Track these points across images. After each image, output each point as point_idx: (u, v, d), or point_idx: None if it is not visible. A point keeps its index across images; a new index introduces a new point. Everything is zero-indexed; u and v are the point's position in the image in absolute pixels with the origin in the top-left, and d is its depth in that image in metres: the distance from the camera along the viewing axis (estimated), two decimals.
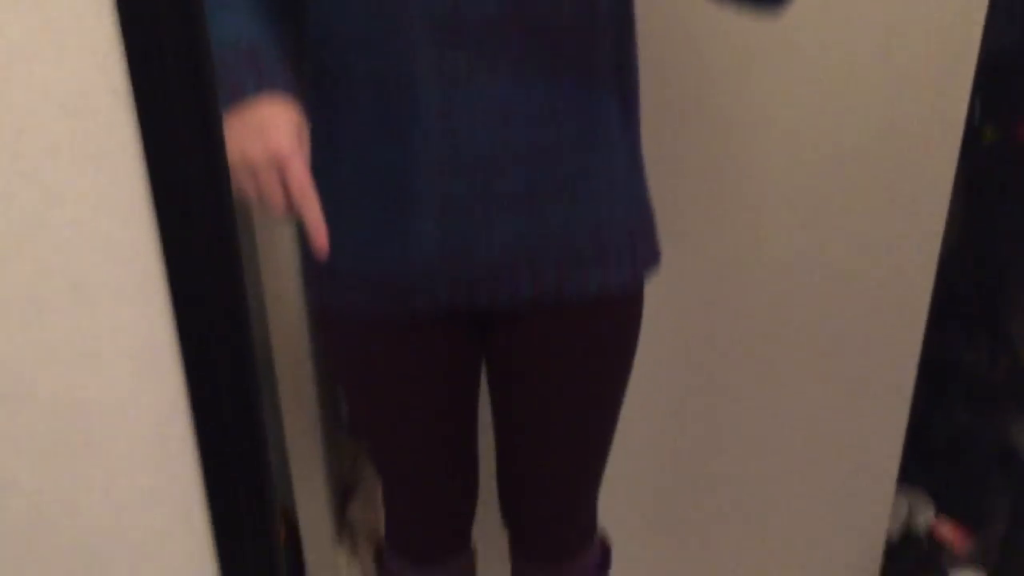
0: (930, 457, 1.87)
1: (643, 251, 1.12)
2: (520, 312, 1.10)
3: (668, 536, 1.79)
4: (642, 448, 1.69)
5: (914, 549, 1.83)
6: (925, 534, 1.85)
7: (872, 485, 1.76)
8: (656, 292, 1.19)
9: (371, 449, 1.28)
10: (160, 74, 0.66)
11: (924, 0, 1.40)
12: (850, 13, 1.42)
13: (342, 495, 1.91)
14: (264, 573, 1.04)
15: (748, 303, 1.62)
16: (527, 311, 1.10)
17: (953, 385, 1.93)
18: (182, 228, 0.74)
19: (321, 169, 0.97)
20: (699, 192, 1.54)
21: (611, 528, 1.42)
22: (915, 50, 1.43)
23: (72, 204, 0.76)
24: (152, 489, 0.91)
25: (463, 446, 1.27)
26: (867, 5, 1.41)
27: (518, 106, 0.99)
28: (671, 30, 1.40)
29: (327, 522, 1.77)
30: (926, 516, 1.86)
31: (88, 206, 0.78)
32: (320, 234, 0.89)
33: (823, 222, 1.57)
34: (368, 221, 1.05)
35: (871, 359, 1.67)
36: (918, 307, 1.63)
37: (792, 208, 1.56)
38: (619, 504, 1.42)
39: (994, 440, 1.84)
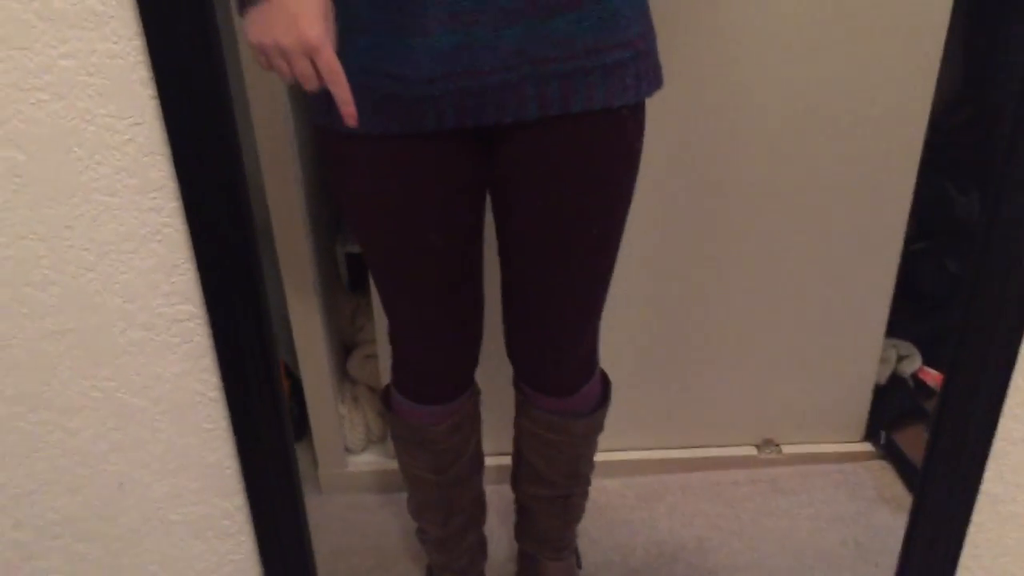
0: (919, 306, 1.91)
1: (646, 69, 1.12)
2: (525, 129, 1.11)
3: (661, 380, 1.84)
4: (636, 290, 1.72)
5: (900, 392, 1.89)
6: (912, 379, 1.91)
7: (862, 332, 1.81)
8: (651, 132, 1.18)
9: (377, 280, 1.30)
10: None
11: None
12: None
13: (342, 350, 1.94)
14: (270, 420, 1.11)
15: (741, 148, 1.62)
16: (532, 127, 1.11)
17: (943, 235, 1.95)
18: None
19: None
20: (695, 32, 1.51)
21: (605, 369, 1.46)
22: None
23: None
24: (165, 343, 1.00)
25: (469, 278, 1.29)
26: None
27: None
28: None
29: (328, 375, 1.81)
30: (912, 363, 1.92)
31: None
32: (350, 109, 0.98)
33: (817, 64, 1.55)
34: (376, 33, 1.05)
35: (863, 207, 1.68)
36: (910, 154, 1.63)
37: (786, 48, 1.53)
38: (612, 345, 1.46)
39: None
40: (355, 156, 1.15)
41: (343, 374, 1.94)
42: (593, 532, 1.72)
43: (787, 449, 1.92)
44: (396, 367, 1.39)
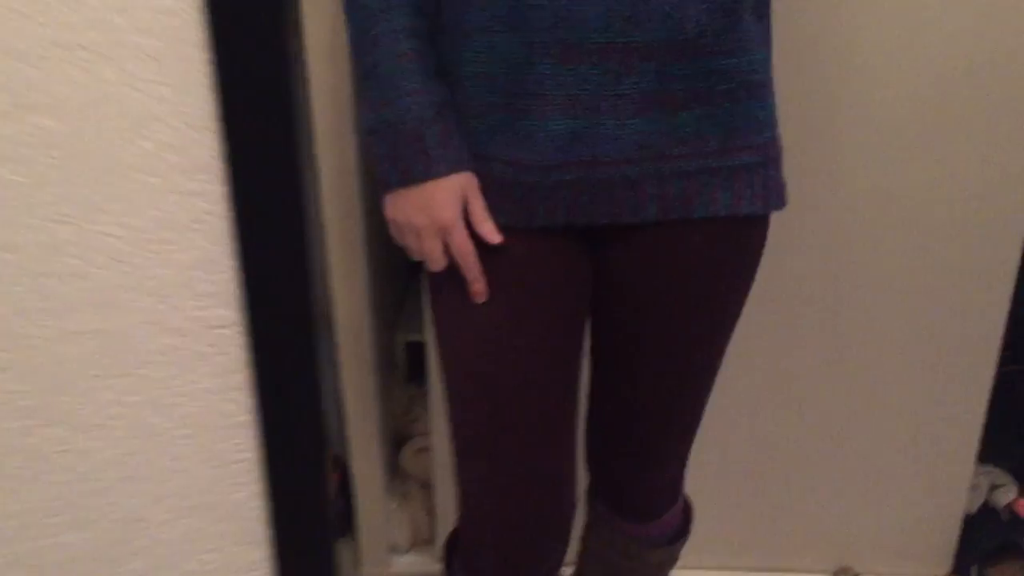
0: (1015, 433, 1.77)
1: (775, 180, 1.05)
2: (640, 232, 1.04)
3: (732, 495, 1.72)
4: (711, 402, 1.62)
5: (992, 524, 1.73)
6: (1005, 510, 1.75)
7: (951, 457, 1.67)
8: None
9: (460, 408, 1.10)
10: None
11: None
12: None
13: (395, 442, 1.87)
14: (308, 454, 0.99)
15: (822, 259, 1.54)
16: (648, 231, 1.03)
17: None
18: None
19: (450, 56, 0.99)
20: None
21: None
22: None
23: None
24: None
25: (566, 399, 1.11)
26: None
27: None
28: None
29: (379, 469, 1.73)
30: (1007, 494, 1.76)
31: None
32: (479, 287, 1.01)
33: (913, 168, 1.47)
34: (493, 117, 0.99)
35: (955, 323, 1.58)
36: (1006, 269, 1.54)
37: (882, 153, 1.46)
38: (693, 464, 1.35)
39: None
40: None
41: (395, 467, 1.86)
42: None
43: None
44: (474, 551, 1.17)
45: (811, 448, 1.68)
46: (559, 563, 1.18)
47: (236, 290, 0.87)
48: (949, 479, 1.69)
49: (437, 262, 1.00)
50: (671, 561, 1.32)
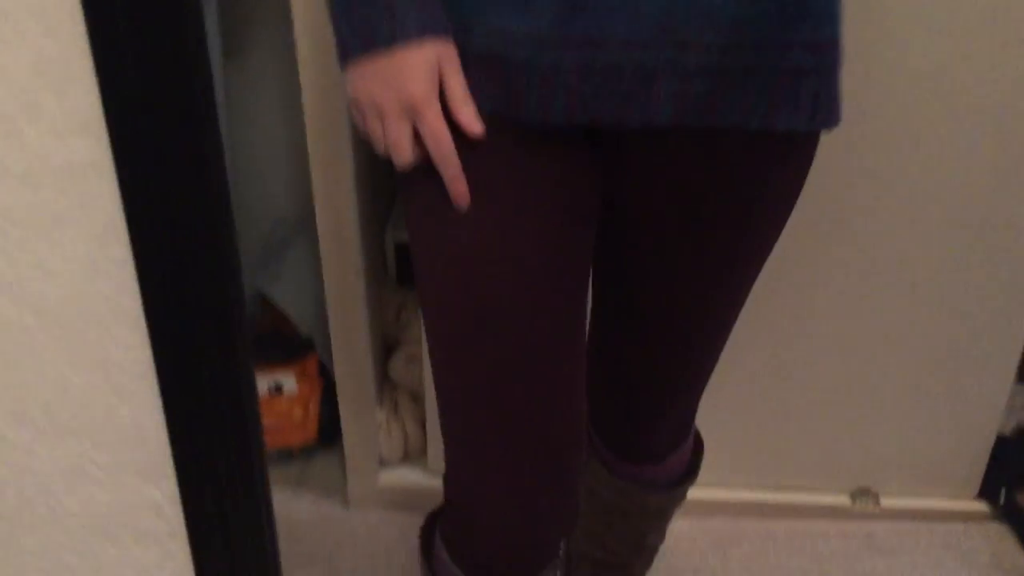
0: None
1: (828, 89, 0.82)
2: (656, 140, 0.84)
3: (747, 411, 1.59)
4: (739, 326, 1.49)
5: None
6: None
7: (987, 374, 1.54)
8: None
9: (442, 348, 0.89)
10: None
11: None
12: None
13: (383, 349, 1.74)
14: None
15: (861, 166, 1.38)
16: (666, 140, 0.83)
17: None
18: None
19: None
20: None
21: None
22: None
23: None
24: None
25: (575, 363, 0.90)
26: None
27: None
28: None
29: (367, 376, 1.60)
30: None
31: None
32: (460, 187, 0.81)
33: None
34: None
35: (995, 234, 1.43)
36: None
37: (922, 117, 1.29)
38: (711, 381, 1.20)
39: None
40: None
41: (383, 376, 1.73)
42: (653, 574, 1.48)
43: (886, 501, 1.66)
44: (454, 526, 0.97)
45: (834, 364, 1.55)
46: (565, 536, 0.98)
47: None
48: (983, 398, 1.57)
49: (404, 152, 0.80)
50: (674, 504, 1.19)
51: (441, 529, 0.99)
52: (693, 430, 1.15)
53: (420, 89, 0.77)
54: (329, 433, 1.75)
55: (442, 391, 0.91)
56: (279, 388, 1.71)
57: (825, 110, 0.82)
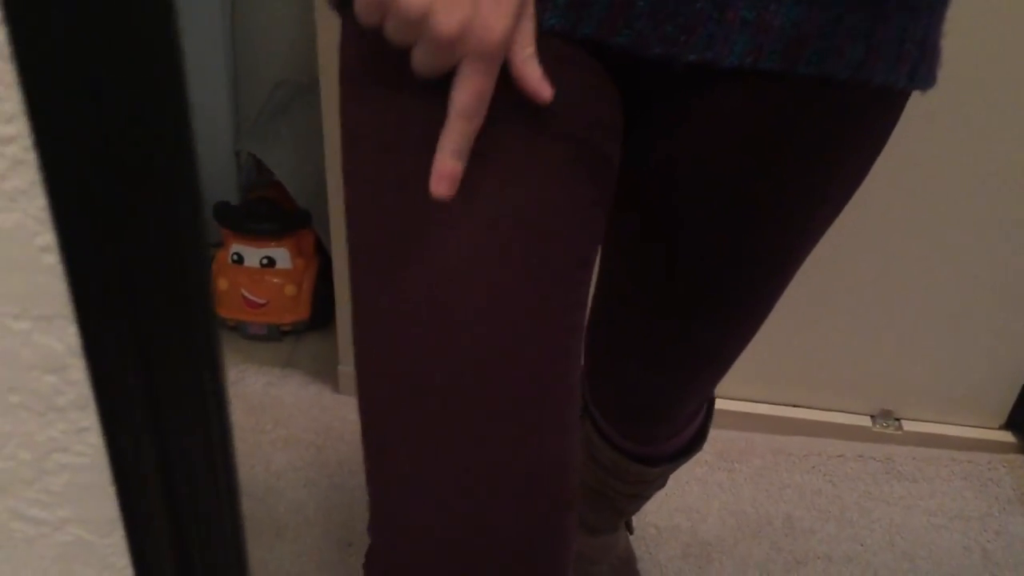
0: None
1: (933, 41, 0.65)
2: (712, 82, 0.63)
3: (785, 336, 1.49)
4: None
5: None
6: None
7: (1018, 316, 1.44)
8: None
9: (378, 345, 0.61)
10: None
11: None
12: None
13: None
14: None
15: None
16: (723, 84, 0.63)
17: None
18: None
19: None
20: None
21: None
22: None
23: None
24: None
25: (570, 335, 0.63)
26: None
27: None
28: None
29: None
30: None
31: None
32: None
33: None
34: None
35: None
36: None
37: None
38: None
39: None
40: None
41: None
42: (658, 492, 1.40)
43: (908, 426, 1.56)
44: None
45: (865, 281, 1.44)
46: None
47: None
48: (1020, 327, 1.46)
49: (435, 72, 0.55)
50: (670, 472, 1.05)
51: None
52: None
53: (502, 26, 0.53)
54: (323, 314, 1.65)
55: (366, 416, 0.62)
56: (271, 261, 1.60)
57: (927, 66, 0.65)
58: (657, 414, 0.90)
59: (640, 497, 1.11)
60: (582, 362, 0.73)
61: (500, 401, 0.57)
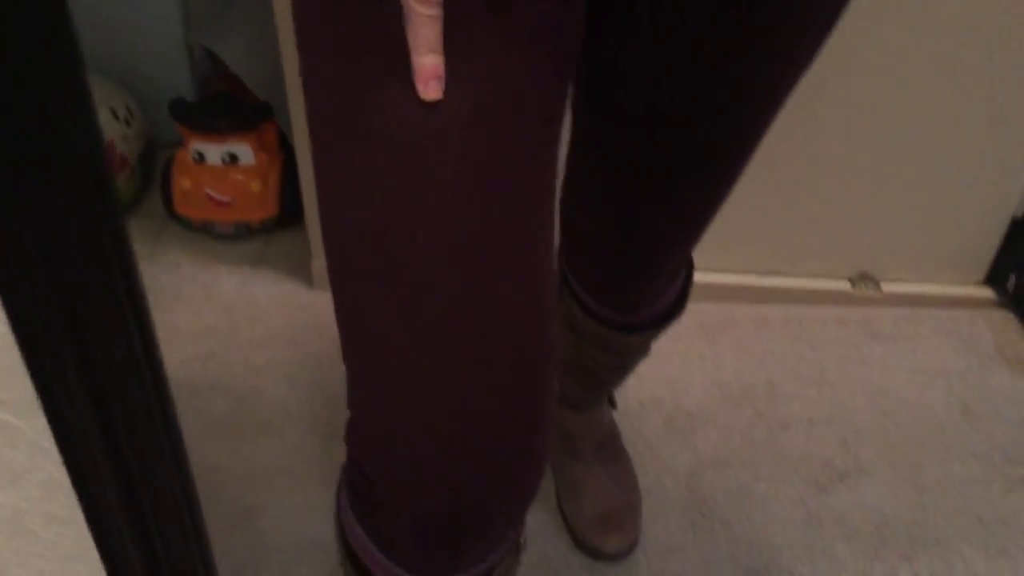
0: None
1: None
2: None
3: (742, 188, 1.46)
4: None
5: None
6: None
7: (1005, 150, 1.41)
8: None
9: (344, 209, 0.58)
10: None
11: None
12: None
13: None
14: None
15: None
16: None
17: None
18: None
19: None
20: None
21: None
22: None
23: None
24: None
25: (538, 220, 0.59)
26: None
27: None
28: None
29: None
30: None
31: None
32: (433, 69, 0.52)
33: None
34: None
35: None
36: None
37: None
38: None
39: None
40: None
41: None
42: (640, 363, 1.39)
43: (888, 287, 1.56)
44: (362, 495, 0.65)
45: (838, 138, 1.41)
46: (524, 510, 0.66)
47: None
48: (1001, 178, 1.44)
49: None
50: (652, 339, 1.04)
51: (348, 494, 0.68)
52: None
53: None
54: (292, 211, 1.61)
55: (346, 271, 0.59)
56: (234, 158, 1.55)
57: None
58: (637, 276, 0.88)
59: (623, 368, 1.10)
60: (556, 231, 0.71)
61: (478, 266, 0.55)
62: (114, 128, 1.60)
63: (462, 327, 0.55)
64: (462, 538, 0.61)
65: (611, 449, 1.27)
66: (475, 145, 0.54)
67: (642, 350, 1.06)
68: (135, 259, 0.34)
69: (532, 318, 0.57)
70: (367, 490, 0.63)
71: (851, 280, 1.56)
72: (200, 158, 1.56)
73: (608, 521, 1.21)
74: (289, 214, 1.62)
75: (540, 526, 1.24)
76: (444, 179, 0.53)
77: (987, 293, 1.57)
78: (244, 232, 1.63)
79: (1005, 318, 1.56)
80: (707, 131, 0.72)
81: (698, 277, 1.50)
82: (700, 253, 1.07)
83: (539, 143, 0.57)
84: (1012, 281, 1.52)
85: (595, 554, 1.20)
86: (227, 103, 1.58)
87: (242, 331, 1.48)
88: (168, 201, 1.61)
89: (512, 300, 0.56)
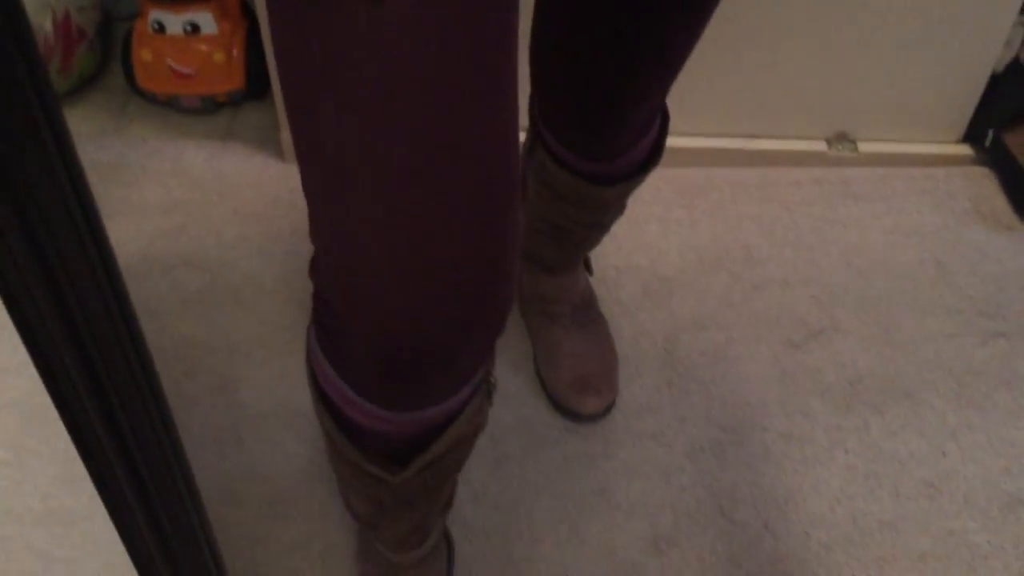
0: None
1: None
2: None
3: (713, 46, 1.43)
4: None
5: (1020, 85, 1.48)
6: None
7: (988, 7, 1.37)
8: None
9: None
10: None
11: None
12: None
13: None
14: None
15: None
16: None
17: None
18: None
19: None
20: None
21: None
22: None
23: None
24: None
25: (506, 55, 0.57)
26: None
27: None
28: None
29: None
30: None
31: None
32: None
33: None
34: None
35: None
36: None
37: None
38: None
39: None
40: None
41: None
42: (616, 229, 1.38)
43: (865, 147, 1.54)
44: (327, 321, 0.66)
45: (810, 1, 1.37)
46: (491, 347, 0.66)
47: None
48: (981, 30, 1.41)
49: None
50: (636, 187, 1.03)
51: (316, 331, 0.68)
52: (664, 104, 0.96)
53: None
54: (258, 82, 1.57)
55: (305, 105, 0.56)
56: (195, 28, 1.50)
57: None
58: (610, 118, 0.87)
59: (600, 226, 1.09)
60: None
61: (439, 97, 0.53)
62: (69, 0, 1.53)
63: (423, 156, 0.54)
64: (426, 370, 0.61)
65: (588, 313, 1.27)
66: (438, 23, 0.51)
67: (618, 206, 1.05)
68: (70, 135, 0.33)
69: (497, 152, 0.56)
70: (332, 324, 0.64)
71: (828, 140, 1.54)
72: (160, 28, 1.51)
73: (585, 383, 1.22)
74: (256, 86, 1.57)
75: (518, 389, 1.25)
76: (403, 12, 0.51)
77: (965, 150, 1.55)
78: (211, 105, 1.59)
79: (982, 174, 1.55)
80: None
81: (674, 141, 1.49)
82: (676, 116, 1.05)
83: (503, 27, 0.55)
84: (990, 137, 1.51)
85: (573, 415, 1.22)
86: None
87: (213, 205, 1.45)
88: (130, 75, 1.57)
89: (475, 132, 0.55)
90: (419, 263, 0.56)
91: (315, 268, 0.64)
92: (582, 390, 1.22)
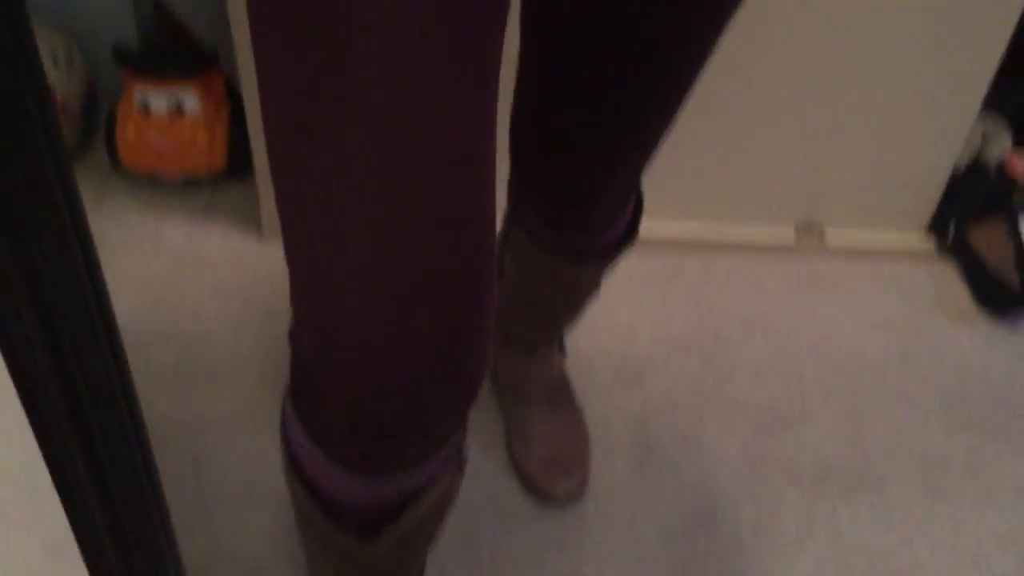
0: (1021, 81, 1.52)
1: None
2: None
3: (689, 134, 1.47)
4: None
5: (979, 181, 1.54)
6: (996, 167, 1.55)
7: (952, 100, 1.44)
8: None
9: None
10: None
11: None
12: None
13: None
14: None
15: None
16: None
17: None
18: None
19: None
20: None
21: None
22: None
23: None
24: None
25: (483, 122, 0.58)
26: None
27: None
28: None
29: None
30: (1001, 148, 1.55)
31: None
32: None
33: None
34: None
35: None
36: None
37: None
38: None
39: None
40: None
41: None
42: (591, 313, 1.41)
43: (832, 239, 1.58)
44: (303, 385, 0.66)
45: (784, 86, 1.42)
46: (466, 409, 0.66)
47: None
48: (945, 128, 1.47)
49: None
50: (610, 268, 1.05)
51: (293, 401, 0.68)
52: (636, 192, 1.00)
53: None
54: (239, 160, 1.59)
55: (289, 174, 0.58)
56: (179, 108, 1.53)
57: None
58: (589, 194, 0.89)
59: (575, 306, 1.11)
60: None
61: (418, 160, 0.54)
62: (54, 75, 1.56)
63: (400, 221, 0.55)
64: (400, 432, 0.62)
65: (561, 394, 1.28)
66: (421, 49, 0.53)
67: (593, 284, 1.07)
68: (82, 204, 0.34)
69: (472, 215, 0.58)
70: (310, 388, 0.64)
71: (797, 227, 1.58)
72: (145, 107, 1.53)
73: (557, 465, 1.22)
74: (237, 164, 1.60)
75: (490, 470, 1.25)
76: (382, 63, 0.53)
77: (928, 245, 1.60)
78: (192, 184, 1.61)
79: (944, 269, 1.59)
80: (659, 41, 0.74)
81: (648, 231, 1.52)
82: (649, 200, 1.09)
83: (487, 46, 0.56)
84: (952, 231, 1.56)
85: (544, 497, 1.22)
86: (173, 49, 1.55)
87: (190, 281, 1.46)
88: (113, 151, 1.58)
89: (451, 197, 0.56)
90: (394, 320, 0.57)
91: (293, 331, 0.66)
92: (554, 471, 1.22)
